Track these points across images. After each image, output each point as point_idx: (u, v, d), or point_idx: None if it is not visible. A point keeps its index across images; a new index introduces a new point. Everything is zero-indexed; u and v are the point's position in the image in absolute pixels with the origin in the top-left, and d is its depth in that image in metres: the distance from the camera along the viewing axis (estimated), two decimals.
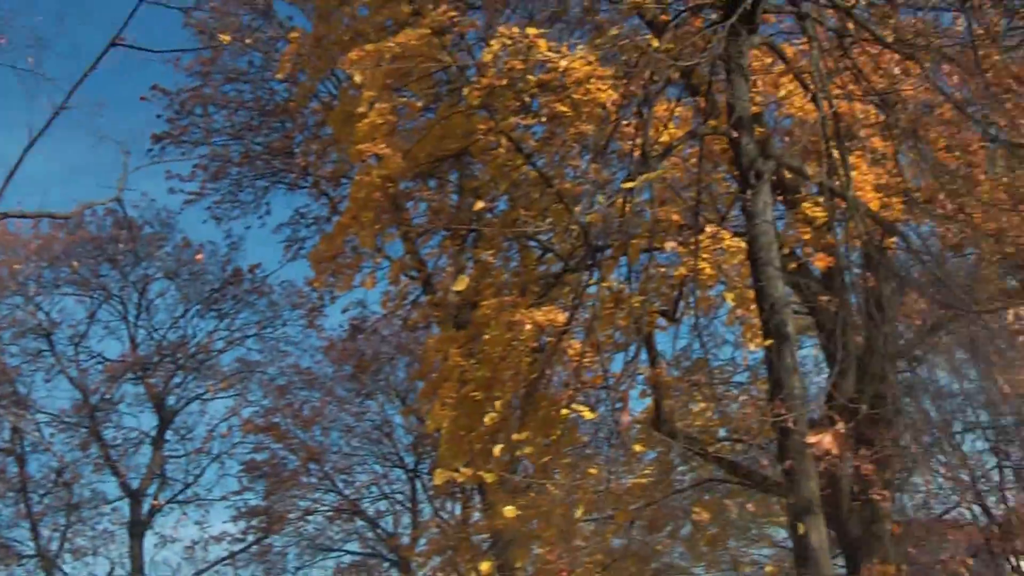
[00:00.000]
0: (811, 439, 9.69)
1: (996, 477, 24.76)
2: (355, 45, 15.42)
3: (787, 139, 15.27)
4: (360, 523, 33.77)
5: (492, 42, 14.01)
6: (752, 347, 12.41)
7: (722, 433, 17.46)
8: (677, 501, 18.69)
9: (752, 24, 11.43)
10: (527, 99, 15.40)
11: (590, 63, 13.89)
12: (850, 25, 12.47)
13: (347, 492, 33.44)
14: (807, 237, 14.08)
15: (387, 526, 33.67)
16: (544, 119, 15.32)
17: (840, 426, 9.76)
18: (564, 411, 12.28)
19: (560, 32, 17.49)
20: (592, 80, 14.08)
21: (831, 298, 12.09)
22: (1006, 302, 10.52)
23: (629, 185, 10.96)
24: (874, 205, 12.99)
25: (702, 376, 15.95)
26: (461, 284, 13.41)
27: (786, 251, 14.26)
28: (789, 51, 13.65)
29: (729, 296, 12.89)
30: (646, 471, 16.82)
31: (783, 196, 15.37)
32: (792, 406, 10.11)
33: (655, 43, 11.42)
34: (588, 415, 11.81)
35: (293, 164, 27.12)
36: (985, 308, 10.33)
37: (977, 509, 24.08)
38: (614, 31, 13.32)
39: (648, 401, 15.80)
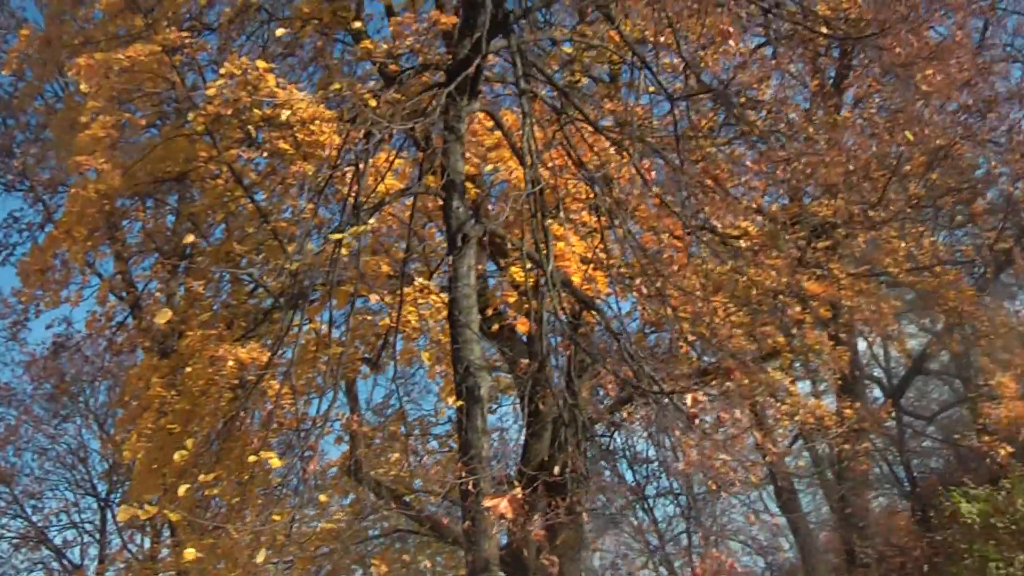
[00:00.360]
0: (488, 503, 9.79)
1: (685, 541, 25.74)
2: (85, 51, 14.97)
3: (499, 204, 15.56)
4: (46, 552, 32.05)
5: (221, 70, 13.77)
6: (450, 403, 12.47)
7: (418, 484, 17.50)
8: (368, 548, 18.64)
9: (474, 90, 11.58)
10: (252, 131, 15.22)
11: (316, 104, 13.84)
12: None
13: (35, 519, 31.76)
14: (512, 301, 14.35)
15: (74, 557, 32.19)
16: (266, 154, 15.18)
17: (517, 491, 9.89)
18: (252, 457, 12.02)
19: (292, 67, 17.36)
20: (316, 121, 14.03)
21: (530, 362, 12.32)
22: (687, 386, 10.93)
23: (337, 237, 10.90)
24: (577, 277, 13.31)
25: (397, 427, 15.98)
26: (163, 317, 13.04)
27: (492, 311, 14.48)
28: (511, 117, 13.90)
29: (425, 355, 12.99)
30: (337, 517, 16.71)
31: (494, 257, 15.64)
32: (475, 468, 10.20)
33: (372, 103, 11.43)
34: (276, 463, 11.60)
35: (10, 165, 25.87)
36: (669, 390, 10.69)
37: (664, 571, 25.01)
38: (336, 85, 13.28)
39: (345, 447, 15.74)
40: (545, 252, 10.65)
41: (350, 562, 17.67)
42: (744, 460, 12.47)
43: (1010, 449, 22.84)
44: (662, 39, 11.90)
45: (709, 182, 13.43)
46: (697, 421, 10.58)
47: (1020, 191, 22.46)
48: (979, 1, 26.74)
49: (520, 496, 9.91)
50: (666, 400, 10.91)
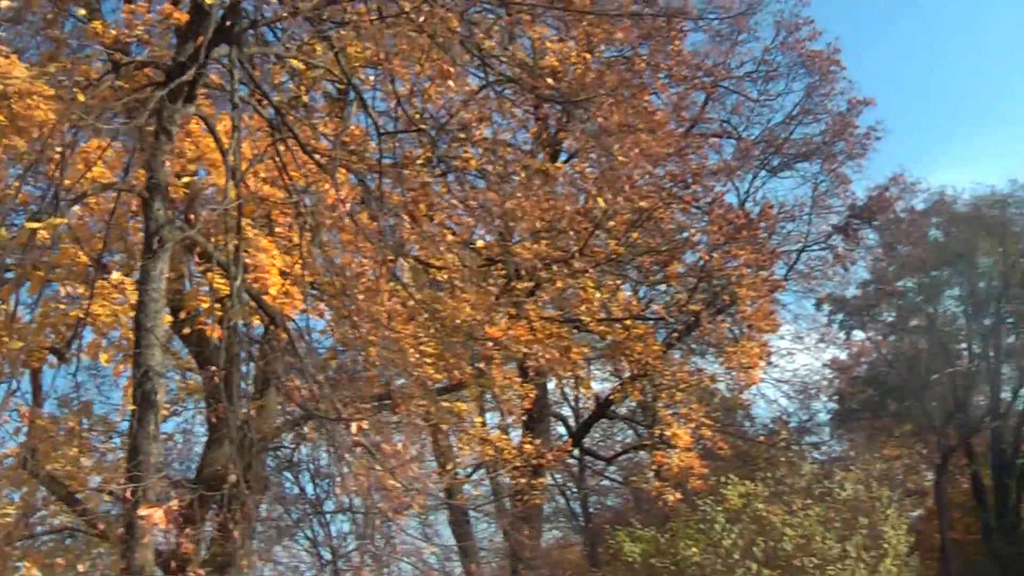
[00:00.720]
0: (144, 511, 9.81)
1: (356, 559, 25.97)
2: None
3: (204, 211, 15.50)
4: None
5: None
6: (129, 407, 12.35)
7: (97, 482, 17.06)
8: (35, 545, 17.97)
9: (192, 94, 11.56)
10: None
11: (34, 79, 13.49)
12: (291, 117, 12.93)
13: None
14: (205, 306, 14.30)
15: None
16: None
17: (175, 503, 9.96)
18: None
19: (20, 35, 16.77)
20: (35, 97, 13.68)
21: (216, 369, 12.33)
22: (356, 413, 11.22)
23: (34, 226, 10.73)
24: (274, 290, 13.40)
25: (76, 421, 15.59)
26: None
27: (187, 314, 14.42)
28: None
29: (103, 356, 12.87)
30: (7, 511, 16.11)
31: (198, 259, 15.55)
32: (138, 475, 10.17)
33: (82, 97, 11.31)
34: None
35: None
36: (336, 415, 10.97)
37: None
38: (52, 68, 13.00)
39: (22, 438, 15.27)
40: (235, 264, 10.76)
41: (15, 559, 16.99)
42: (411, 486, 12.83)
43: (679, 495, 24.18)
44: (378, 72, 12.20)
45: (405, 215, 13.80)
46: (360, 449, 10.87)
47: (715, 259, 23.81)
48: (702, 77, 28.44)
49: (176, 507, 9.99)
50: (334, 425, 11.18)
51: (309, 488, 23.37)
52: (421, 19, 10.73)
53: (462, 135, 15.92)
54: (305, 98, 15.44)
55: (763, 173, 35.26)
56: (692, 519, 25.82)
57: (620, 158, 15.11)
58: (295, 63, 15.14)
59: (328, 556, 22.66)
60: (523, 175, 16.88)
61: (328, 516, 23.05)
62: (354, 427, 10.49)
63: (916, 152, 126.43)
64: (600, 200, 16.46)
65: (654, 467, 26.43)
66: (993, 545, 55.80)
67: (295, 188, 12.19)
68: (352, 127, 14.62)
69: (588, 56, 17.92)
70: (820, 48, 33.21)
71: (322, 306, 13.15)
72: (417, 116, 14.63)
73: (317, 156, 12.28)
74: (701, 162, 25.51)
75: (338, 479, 14.13)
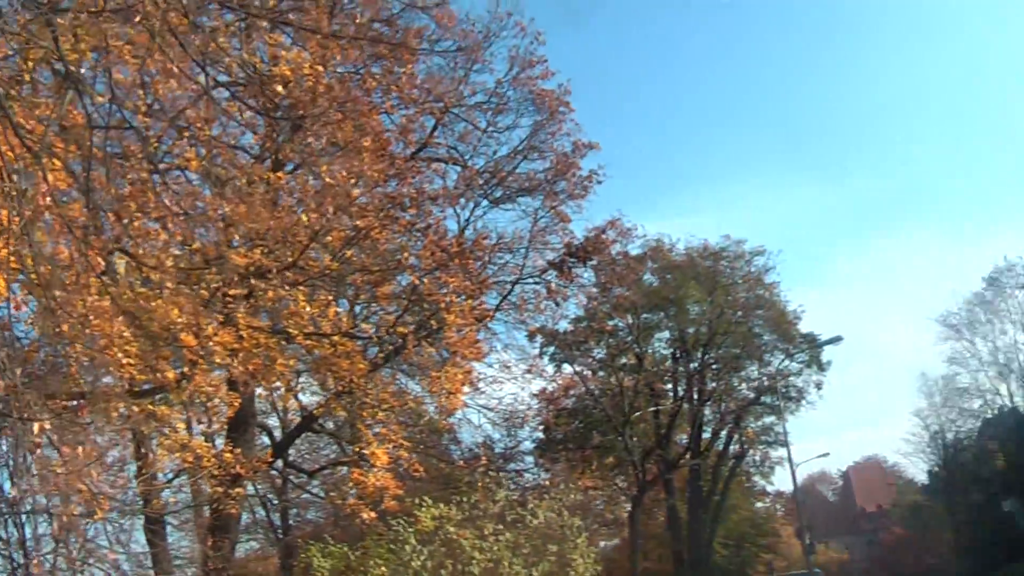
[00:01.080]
0: None
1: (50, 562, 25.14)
2: None
3: None
4: None
5: None
6: None
7: None
8: None
9: None
10: None
11: None
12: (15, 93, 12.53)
13: None
14: None
15: None
16: None
17: None
18: None
19: None
20: None
21: None
22: (53, 411, 10.97)
23: None
24: None
25: None
26: None
27: None
28: None
29: None
30: None
31: None
32: None
33: None
34: None
35: None
36: (18, 415, 10.71)
37: None
38: None
39: None
40: None
41: None
42: (97, 490, 12.59)
43: (374, 514, 24.40)
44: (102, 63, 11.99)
45: (111, 213, 13.57)
46: (39, 451, 10.64)
47: (426, 284, 24.14)
48: (432, 102, 28.88)
49: None
50: (19, 422, 10.92)
51: (7, 486, 22.42)
52: (137, 18, 10.62)
53: (186, 134, 15.73)
54: (28, 77, 14.93)
55: (485, 203, 35.80)
56: (384, 538, 26.08)
57: (327, 179, 15.21)
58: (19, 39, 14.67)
59: (21, 559, 21.78)
60: (243, 181, 16.77)
61: (24, 517, 22.14)
62: (36, 427, 10.25)
63: (633, 199, 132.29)
64: (304, 216, 16.49)
65: (351, 485, 26.56)
66: (684, 575, 58.82)
67: (8, 170, 11.80)
68: (77, 114, 14.21)
69: (320, 68, 17.98)
70: (551, 88, 34.00)
71: (20, 297, 12.75)
72: (144, 109, 14.42)
73: (29, 140, 11.94)
74: (421, 186, 25.87)
75: (16, 480, 13.68)
